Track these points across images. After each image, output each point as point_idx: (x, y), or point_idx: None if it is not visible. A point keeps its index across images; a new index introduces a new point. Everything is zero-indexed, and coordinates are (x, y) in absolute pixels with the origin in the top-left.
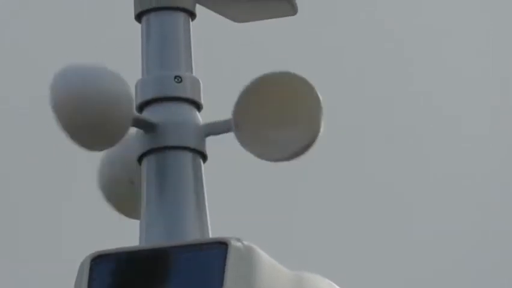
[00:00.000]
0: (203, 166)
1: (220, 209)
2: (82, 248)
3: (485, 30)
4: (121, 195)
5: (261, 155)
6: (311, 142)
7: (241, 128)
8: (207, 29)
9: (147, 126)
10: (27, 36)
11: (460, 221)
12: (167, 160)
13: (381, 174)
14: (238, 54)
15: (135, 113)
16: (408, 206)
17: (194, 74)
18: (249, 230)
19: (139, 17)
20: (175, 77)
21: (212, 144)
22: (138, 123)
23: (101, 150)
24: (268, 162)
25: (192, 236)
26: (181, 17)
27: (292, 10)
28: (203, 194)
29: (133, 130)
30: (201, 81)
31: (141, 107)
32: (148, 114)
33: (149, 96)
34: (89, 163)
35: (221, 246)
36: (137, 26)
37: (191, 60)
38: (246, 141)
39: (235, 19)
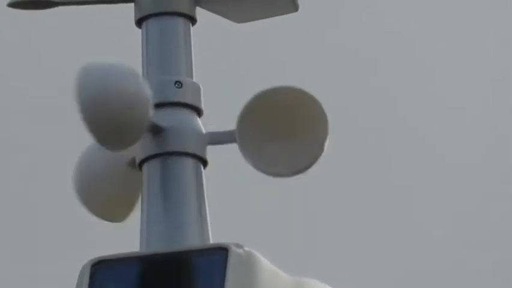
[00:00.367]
0: (203, 172)
1: (221, 215)
2: (86, 252)
3: (488, 29)
4: (99, 196)
5: (263, 170)
6: (314, 161)
7: (245, 142)
8: (209, 32)
9: (156, 130)
10: (27, 37)
11: (460, 221)
12: (170, 166)
13: (381, 174)
14: (239, 57)
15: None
16: (408, 206)
17: (194, 79)
18: (250, 236)
19: (139, 23)
20: (176, 82)
21: (213, 149)
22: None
23: (118, 150)
24: None
25: (192, 241)
26: (181, 22)
27: (294, 6)
28: (204, 199)
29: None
30: (201, 87)
31: None
32: None
33: None
34: None
35: (221, 252)
36: (138, 32)
37: (191, 65)
38: (248, 156)
39: (236, 19)
